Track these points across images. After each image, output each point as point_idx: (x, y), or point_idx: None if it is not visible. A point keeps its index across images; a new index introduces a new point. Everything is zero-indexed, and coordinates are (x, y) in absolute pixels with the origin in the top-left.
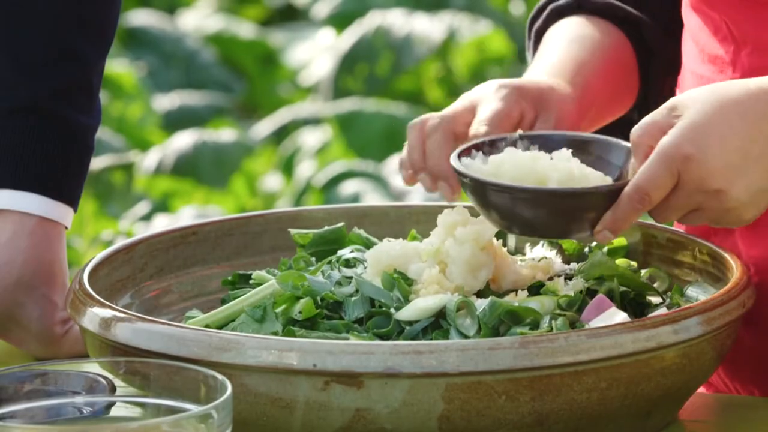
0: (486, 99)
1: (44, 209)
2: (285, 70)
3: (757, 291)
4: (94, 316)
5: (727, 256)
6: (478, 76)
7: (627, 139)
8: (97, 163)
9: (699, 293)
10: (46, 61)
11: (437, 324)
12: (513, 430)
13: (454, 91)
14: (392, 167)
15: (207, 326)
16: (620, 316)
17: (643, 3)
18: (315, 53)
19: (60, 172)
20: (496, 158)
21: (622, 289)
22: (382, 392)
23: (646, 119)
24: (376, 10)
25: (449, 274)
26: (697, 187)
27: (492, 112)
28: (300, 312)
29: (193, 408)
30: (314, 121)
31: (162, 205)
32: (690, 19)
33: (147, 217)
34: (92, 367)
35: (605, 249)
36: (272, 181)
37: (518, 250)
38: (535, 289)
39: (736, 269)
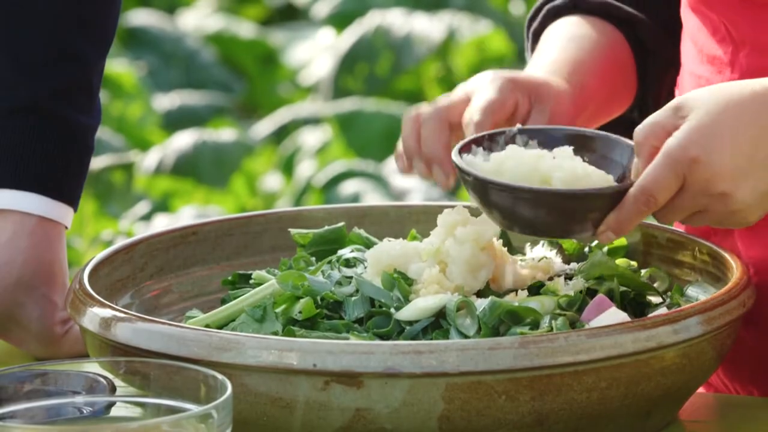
0: (481, 89)
1: (44, 209)
2: (285, 69)
3: (757, 291)
4: (94, 316)
5: (727, 256)
6: None
7: (628, 137)
8: (97, 163)
9: (699, 293)
10: (46, 61)
11: (437, 324)
12: (513, 430)
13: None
14: (392, 167)
15: (207, 326)
16: (620, 316)
17: (641, 2)
18: (315, 53)
19: (60, 172)
20: (498, 156)
21: (622, 289)
22: (382, 392)
23: (650, 119)
24: (376, 9)
25: (449, 274)
26: (703, 190)
27: (486, 101)
28: (300, 312)
29: (193, 408)
30: (314, 121)
31: (162, 205)
32: (688, 19)
33: (147, 217)
34: (92, 367)
35: (605, 249)
36: (272, 181)
37: (518, 250)
38: (535, 289)
39: (736, 269)
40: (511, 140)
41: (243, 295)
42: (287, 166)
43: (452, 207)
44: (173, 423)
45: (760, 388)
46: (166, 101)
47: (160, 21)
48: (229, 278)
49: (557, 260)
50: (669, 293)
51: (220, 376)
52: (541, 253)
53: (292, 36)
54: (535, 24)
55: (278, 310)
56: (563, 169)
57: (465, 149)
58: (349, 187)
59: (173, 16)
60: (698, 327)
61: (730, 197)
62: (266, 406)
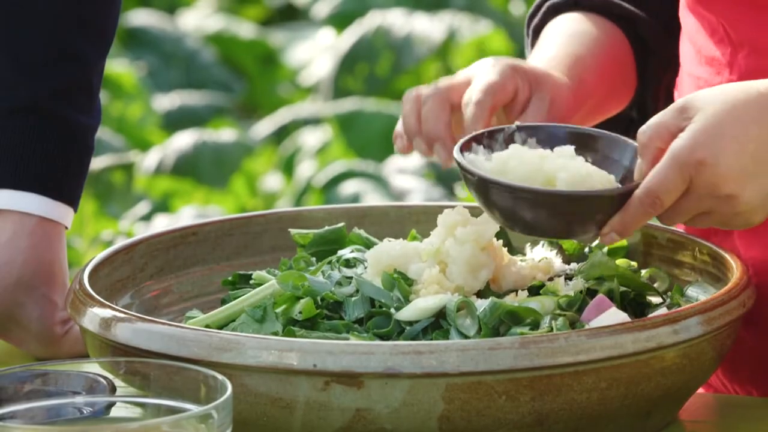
0: (482, 72)
1: (44, 209)
2: (285, 70)
3: (756, 291)
4: (94, 316)
5: (727, 256)
6: None
7: (627, 137)
8: (97, 163)
9: (699, 293)
10: (46, 61)
11: (437, 324)
12: (513, 430)
13: None
14: (392, 167)
15: (207, 326)
16: (620, 316)
17: (643, 1)
18: (315, 53)
19: (60, 172)
20: (500, 155)
21: (622, 289)
22: (382, 392)
23: (654, 120)
24: (376, 10)
25: (449, 274)
26: (709, 192)
27: (487, 82)
28: (300, 312)
29: (193, 408)
30: (314, 121)
31: (162, 205)
32: (687, 20)
33: (147, 217)
34: (92, 367)
35: (605, 249)
36: (272, 181)
37: (518, 250)
38: (536, 289)
39: (736, 269)
40: (510, 138)
41: (243, 295)
42: (287, 167)
43: (452, 207)
44: (173, 423)
45: (760, 388)
46: (166, 101)
47: (160, 21)
48: (229, 278)
49: (557, 260)
50: (669, 293)
51: (220, 377)
52: (541, 254)
53: (292, 36)
54: (535, 20)
55: (278, 310)
56: (568, 169)
57: (465, 148)
58: (349, 187)
59: (173, 16)
60: (698, 327)
61: (737, 199)
62: (266, 407)
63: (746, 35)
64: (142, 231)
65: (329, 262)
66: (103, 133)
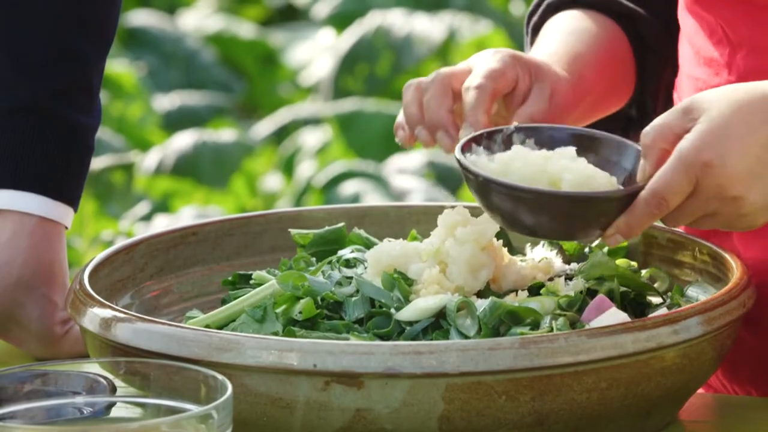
0: (482, 60)
1: (44, 209)
2: (285, 70)
3: (756, 292)
4: (94, 316)
5: (727, 256)
6: None
7: (626, 136)
8: (97, 163)
9: (699, 293)
10: (46, 61)
11: (437, 324)
12: (513, 430)
13: None
14: (392, 167)
15: (207, 326)
16: (620, 317)
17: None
18: (315, 53)
19: (60, 172)
20: (503, 156)
21: (623, 289)
22: (382, 392)
23: (658, 121)
24: (376, 10)
25: (449, 274)
26: (715, 194)
27: (488, 68)
28: (300, 312)
29: (194, 408)
30: (314, 121)
31: (162, 205)
32: (686, 21)
33: (147, 217)
34: (92, 368)
35: (605, 249)
36: (272, 181)
37: (518, 251)
38: (536, 289)
39: (736, 269)
40: (509, 139)
41: (243, 295)
42: (287, 167)
43: (452, 207)
44: (173, 423)
45: (759, 388)
46: (166, 101)
47: (160, 21)
48: (230, 278)
49: (557, 260)
50: (669, 293)
51: (220, 377)
52: (541, 254)
53: (292, 36)
54: (534, 19)
55: (278, 310)
56: (572, 170)
57: (465, 149)
58: (349, 187)
59: (173, 17)
60: (698, 327)
61: (742, 200)
62: (266, 407)
63: (745, 36)
64: (142, 231)
65: (329, 262)
66: (103, 133)
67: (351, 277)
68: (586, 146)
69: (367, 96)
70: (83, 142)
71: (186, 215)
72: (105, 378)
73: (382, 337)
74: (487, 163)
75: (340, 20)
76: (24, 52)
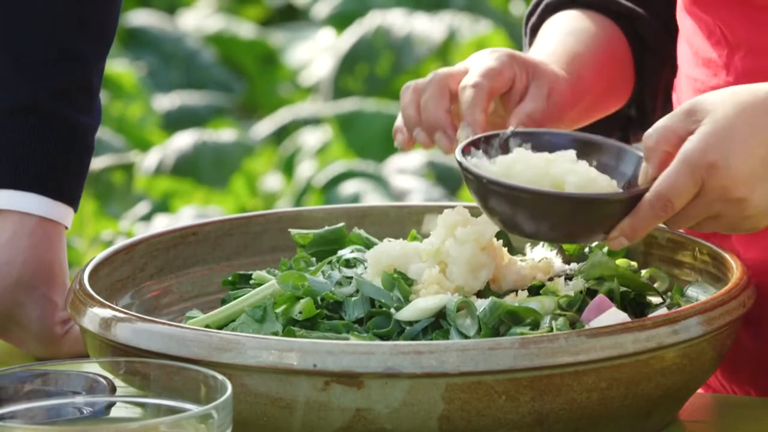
0: (479, 59)
1: (44, 209)
2: (285, 70)
3: (755, 292)
4: (94, 316)
5: (727, 256)
6: None
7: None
8: (97, 163)
9: (699, 293)
10: (46, 61)
11: (437, 324)
12: (513, 430)
13: None
14: (392, 167)
15: (207, 326)
16: (620, 317)
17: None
18: (315, 53)
19: (60, 172)
20: (505, 159)
21: (623, 289)
22: (382, 392)
23: (661, 123)
24: (376, 10)
25: (449, 274)
26: (720, 196)
27: (484, 67)
28: (300, 312)
29: (193, 408)
30: (314, 121)
31: (162, 205)
32: (684, 22)
33: (147, 217)
34: (92, 367)
35: (605, 249)
36: (272, 181)
37: (518, 250)
38: (536, 289)
39: (736, 269)
40: (506, 143)
41: (243, 295)
42: (287, 167)
43: (452, 207)
44: (173, 423)
45: (759, 389)
46: (166, 101)
47: (160, 21)
48: (229, 278)
49: (557, 260)
50: (669, 293)
51: (220, 377)
52: (541, 254)
53: (292, 36)
54: (533, 19)
55: (278, 310)
56: (576, 173)
57: (464, 152)
58: (349, 187)
59: (173, 17)
60: (698, 327)
61: (747, 202)
62: (266, 407)
63: (743, 37)
64: (142, 231)
65: (329, 262)
66: (103, 133)
67: (351, 277)
68: (584, 151)
69: (367, 96)
70: (83, 142)
71: (186, 215)
72: (105, 378)
73: (382, 337)
74: (488, 166)
75: (340, 20)
76: (24, 52)
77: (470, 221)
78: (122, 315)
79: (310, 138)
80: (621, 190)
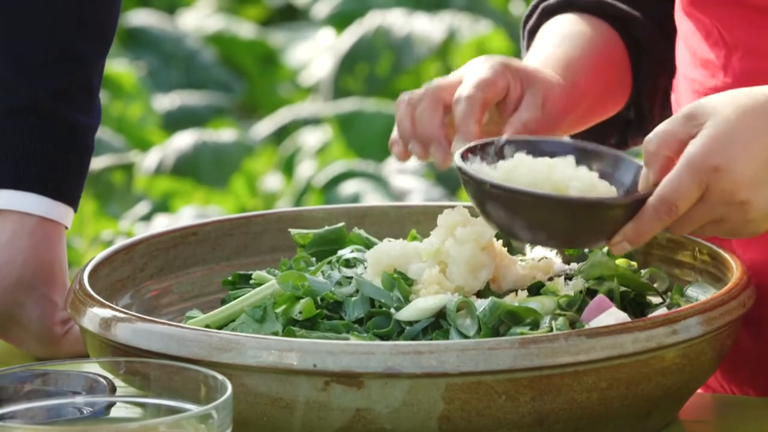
0: (472, 69)
1: (44, 209)
2: (285, 70)
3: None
4: (94, 316)
5: (727, 256)
6: None
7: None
8: (97, 163)
9: (699, 293)
10: (46, 61)
11: (437, 324)
12: (513, 430)
13: None
14: (392, 167)
15: (207, 326)
16: (620, 317)
17: (636, 0)
18: (315, 53)
19: (60, 172)
20: (505, 164)
21: (622, 289)
22: (382, 392)
23: (661, 128)
24: (376, 10)
25: (449, 274)
26: (724, 199)
27: (477, 78)
28: (300, 312)
29: (193, 408)
30: (314, 121)
31: (162, 205)
32: (682, 23)
33: (147, 217)
34: (92, 367)
35: (605, 249)
36: (272, 181)
37: (518, 250)
38: (535, 289)
39: (736, 269)
40: (501, 151)
41: (243, 295)
42: (287, 167)
43: (452, 207)
44: (173, 423)
45: (758, 389)
46: (166, 101)
47: (160, 21)
48: (229, 278)
49: (557, 260)
50: (669, 293)
51: (220, 377)
52: (541, 253)
53: (292, 36)
54: (530, 22)
55: (278, 310)
56: (579, 178)
57: (462, 158)
58: (349, 187)
59: (173, 17)
60: (698, 327)
61: (750, 206)
62: (266, 407)
63: (740, 38)
64: (142, 231)
65: (329, 262)
66: (103, 133)
67: (351, 277)
68: (580, 158)
69: (367, 96)
70: (83, 142)
71: (186, 215)
72: (105, 378)
73: (382, 337)
74: (489, 171)
75: (340, 20)
76: (24, 52)
77: (470, 221)
78: (122, 315)
79: (310, 138)
80: (623, 196)
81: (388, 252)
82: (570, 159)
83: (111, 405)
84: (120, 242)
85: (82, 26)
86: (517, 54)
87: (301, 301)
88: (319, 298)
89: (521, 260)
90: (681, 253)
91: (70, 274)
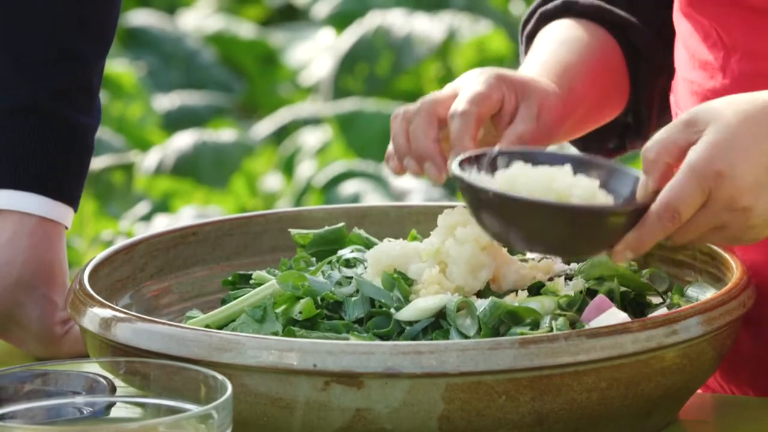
0: (467, 83)
1: (44, 209)
2: (285, 70)
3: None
4: (94, 316)
5: (727, 256)
6: None
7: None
8: (97, 163)
9: (699, 293)
10: (46, 61)
11: (437, 324)
12: (513, 430)
13: None
14: None
15: (207, 326)
16: (620, 317)
17: (634, 6)
18: (315, 53)
19: (60, 172)
20: (505, 174)
21: (623, 289)
22: (382, 392)
23: (660, 135)
24: (376, 10)
25: (449, 274)
26: (727, 205)
27: (472, 93)
28: (300, 312)
29: (193, 408)
30: (314, 121)
31: (162, 205)
32: (681, 25)
33: (147, 217)
34: (92, 367)
35: None
36: (272, 181)
37: (518, 251)
38: (536, 289)
39: (736, 269)
40: (494, 162)
41: (243, 295)
42: (287, 167)
43: (452, 207)
44: (173, 423)
45: (758, 389)
46: (166, 101)
47: (160, 21)
48: (229, 278)
49: (557, 260)
50: (669, 293)
51: (220, 377)
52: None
53: (292, 36)
54: (528, 27)
55: (278, 310)
56: (581, 187)
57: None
58: (349, 187)
59: (173, 17)
60: (698, 327)
61: (752, 211)
62: (266, 407)
63: (739, 39)
64: (142, 231)
65: (329, 262)
66: (103, 133)
67: (351, 277)
68: (575, 169)
69: (367, 96)
70: (83, 142)
71: (186, 215)
72: (105, 378)
73: (382, 337)
74: (489, 181)
75: (340, 20)
76: (24, 52)
77: (470, 221)
78: (122, 315)
79: (310, 138)
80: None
81: (388, 252)
82: (567, 168)
83: (111, 405)
84: (120, 242)
85: (82, 26)
86: (517, 55)
87: (301, 301)
88: (319, 298)
89: (521, 260)
90: (681, 253)
91: (70, 274)
